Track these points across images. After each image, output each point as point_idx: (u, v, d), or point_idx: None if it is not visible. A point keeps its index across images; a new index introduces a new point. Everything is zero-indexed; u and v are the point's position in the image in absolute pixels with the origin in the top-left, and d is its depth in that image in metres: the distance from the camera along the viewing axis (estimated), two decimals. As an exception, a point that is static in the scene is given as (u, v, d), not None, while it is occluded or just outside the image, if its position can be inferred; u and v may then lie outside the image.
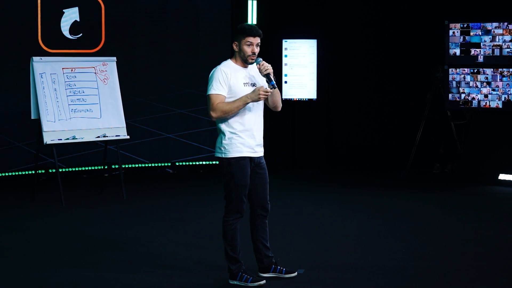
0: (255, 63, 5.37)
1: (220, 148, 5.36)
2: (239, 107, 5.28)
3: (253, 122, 5.39)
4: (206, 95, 5.33)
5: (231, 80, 5.31)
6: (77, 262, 6.13)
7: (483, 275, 5.73)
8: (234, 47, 5.37)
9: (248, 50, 5.32)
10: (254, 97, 5.27)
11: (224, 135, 5.34)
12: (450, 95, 10.23)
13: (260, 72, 5.36)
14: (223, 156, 5.35)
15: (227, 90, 5.30)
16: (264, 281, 5.44)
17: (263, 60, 5.38)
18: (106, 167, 9.70)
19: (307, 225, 7.50)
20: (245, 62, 5.38)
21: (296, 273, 5.64)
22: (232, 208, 5.39)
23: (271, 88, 5.33)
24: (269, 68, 5.35)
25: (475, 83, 10.05)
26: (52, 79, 8.74)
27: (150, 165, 10.92)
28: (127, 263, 6.07)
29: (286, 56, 11.14)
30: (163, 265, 6.01)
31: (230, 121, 5.32)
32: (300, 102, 11.18)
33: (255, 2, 11.12)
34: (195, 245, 6.60)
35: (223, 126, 5.35)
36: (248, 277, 5.41)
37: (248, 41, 5.31)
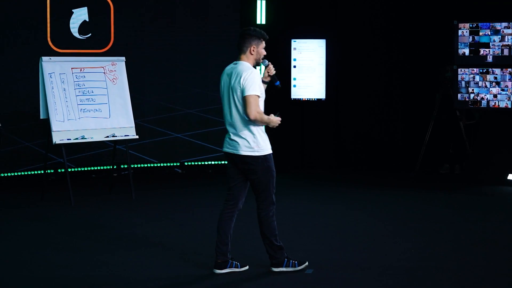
0: (262, 64, 5.77)
1: (253, 148, 5.57)
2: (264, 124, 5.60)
3: None
4: (247, 95, 5.46)
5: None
6: (86, 261, 6.16)
7: (492, 275, 5.72)
8: (251, 50, 5.63)
9: (264, 52, 5.70)
10: (273, 124, 5.63)
11: (254, 134, 5.57)
12: (459, 95, 10.21)
13: (268, 73, 5.80)
14: (259, 154, 5.57)
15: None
16: (306, 263, 5.75)
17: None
18: (115, 167, 9.74)
19: (316, 225, 7.50)
20: (257, 64, 5.73)
21: (247, 267, 5.76)
22: (271, 200, 5.66)
23: (279, 87, 5.87)
24: (273, 68, 5.85)
25: (484, 83, 10.03)
26: (61, 79, 8.78)
27: (159, 165, 10.94)
28: (137, 263, 6.10)
29: (295, 59, 11.14)
30: (172, 264, 6.03)
31: None
32: (308, 102, 11.18)
33: (264, 2, 11.12)
34: (204, 245, 6.60)
35: (252, 126, 5.56)
36: (294, 261, 5.73)
37: (264, 45, 5.70)
